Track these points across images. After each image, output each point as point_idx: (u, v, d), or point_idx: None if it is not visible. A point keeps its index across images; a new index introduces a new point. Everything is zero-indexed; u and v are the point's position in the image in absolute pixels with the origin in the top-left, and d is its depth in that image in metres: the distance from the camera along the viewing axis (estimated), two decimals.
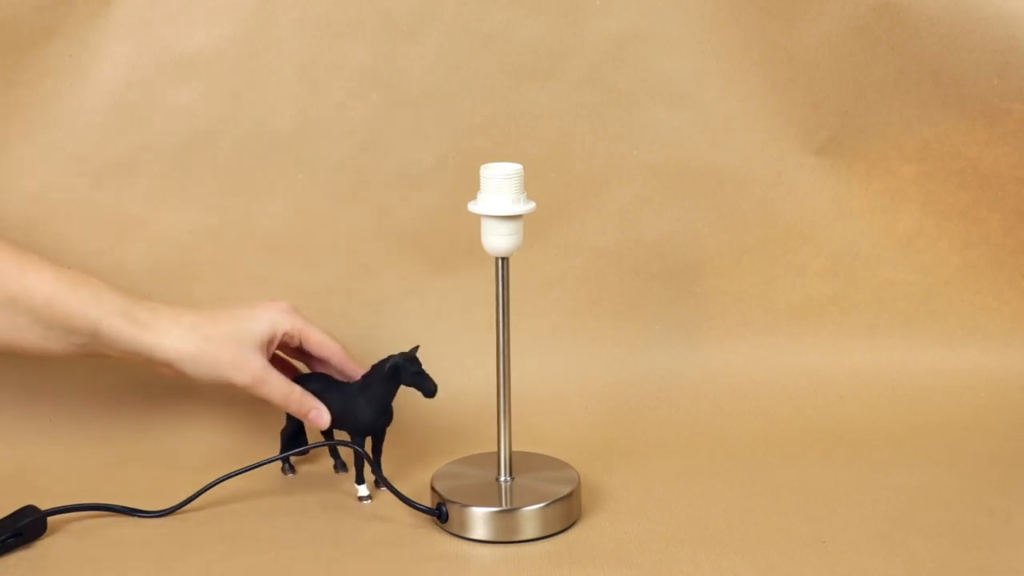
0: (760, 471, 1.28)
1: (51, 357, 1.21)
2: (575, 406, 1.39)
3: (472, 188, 1.15)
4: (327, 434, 1.29)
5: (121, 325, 1.19)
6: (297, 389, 1.22)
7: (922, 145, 1.43)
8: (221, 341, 1.20)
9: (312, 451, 1.30)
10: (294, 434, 1.28)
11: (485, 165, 1.13)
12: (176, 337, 1.20)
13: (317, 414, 1.23)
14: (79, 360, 1.39)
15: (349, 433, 1.23)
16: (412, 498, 1.18)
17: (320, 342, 1.25)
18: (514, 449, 1.19)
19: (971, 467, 1.28)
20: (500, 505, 1.15)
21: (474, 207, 1.14)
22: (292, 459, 1.30)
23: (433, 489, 1.18)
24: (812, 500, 1.21)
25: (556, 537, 1.15)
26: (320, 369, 1.28)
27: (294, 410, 1.22)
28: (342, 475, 1.29)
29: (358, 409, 1.21)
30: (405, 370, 1.19)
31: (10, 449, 1.34)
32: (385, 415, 1.22)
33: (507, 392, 1.17)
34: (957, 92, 1.39)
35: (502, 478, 1.19)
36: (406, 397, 1.21)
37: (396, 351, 1.21)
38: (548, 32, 1.41)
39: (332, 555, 1.12)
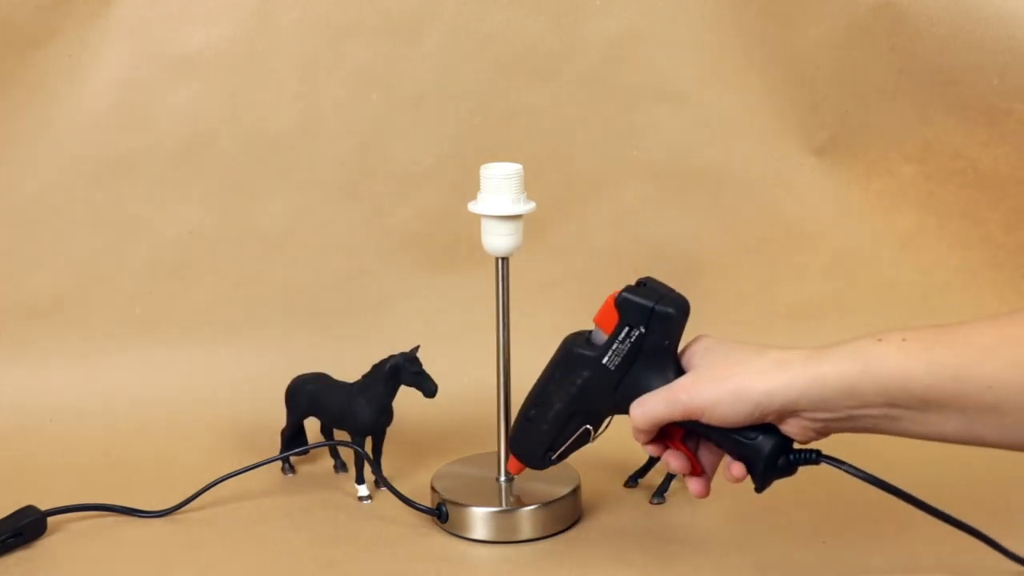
0: None
1: None
2: None
3: (472, 188, 1.15)
4: (327, 434, 1.29)
5: None
6: None
7: (922, 145, 1.42)
8: None
9: (312, 451, 1.29)
10: (294, 434, 1.28)
11: (485, 165, 1.13)
12: None
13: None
14: (77, 360, 1.40)
15: (349, 433, 1.23)
16: (412, 498, 1.18)
17: None
18: None
19: (971, 467, 1.28)
20: (500, 505, 1.15)
21: (474, 207, 1.14)
22: (292, 459, 1.30)
23: (433, 489, 1.18)
24: (813, 500, 1.21)
25: (556, 537, 1.15)
26: None
27: None
28: (342, 475, 1.29)
29: (358, 409, 1.21)
30: (405, 370, 1.19)
31: (10, 449, 1.34)
32: (385, 415, 1.22)
33: (507, 392, 1.17)
34: (957, 92, 1.38)
35: (502, 478, 1.19)
36: (406, 397, 1.21)
37: (396, 351, 1.21)
38: (548, 32, 1.42)
39: (332, 555, 1.12)
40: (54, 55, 1.38)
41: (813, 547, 1.12)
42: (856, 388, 0.92)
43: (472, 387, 1.33)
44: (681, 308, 1.04)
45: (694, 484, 1.04)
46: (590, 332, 1.05)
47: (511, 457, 1.11)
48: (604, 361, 1.03)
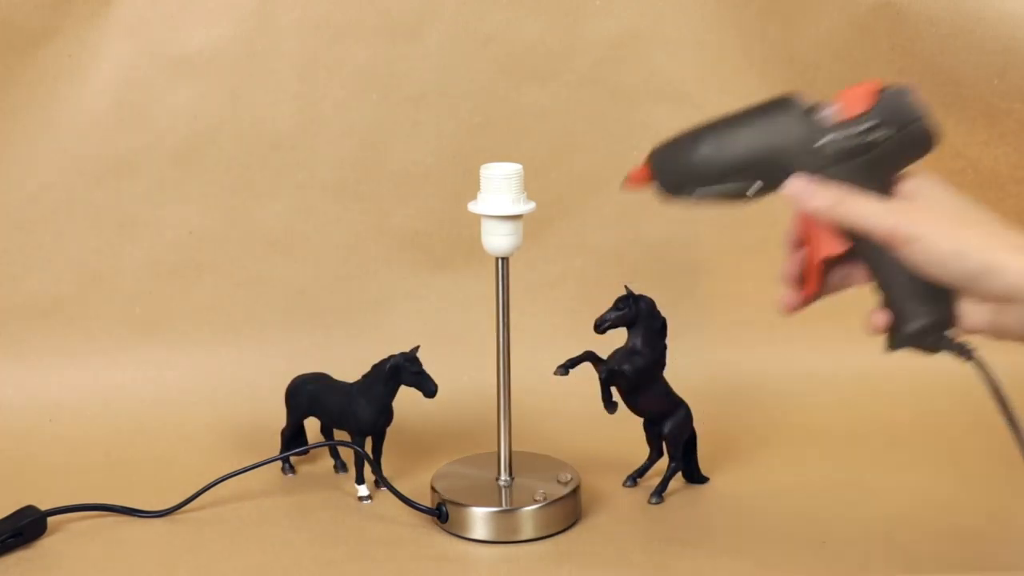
0: (760, 471, 1.28)
1: None
2: (575, 406, 1.39)
3: (472, 188, 1.15)
4: (327, 434, 1.29)
5: None
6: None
7: None
8: None
9: (312, 451, 1.29)
10: (294, 434, 1.28)
11: (485, 165, 1.13)
12: None
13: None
14: (77, 360, 1.40)
15: (349, 433, 1.23)
16: (412, 498, 1.18)
17: None
18: (514, 449, 1.19)
19: (971, 467, 1.28)
20: (500, 505, 1.15)
21: (474, 207, 1.14)
22: (292, 459, 1.30)
23: (433, 489, 1.18)
24: (812, 500, 1.21)
25: (556, 537, 1.15)
26: None
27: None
28: (342, 475, 1.29)
29: (358, 409, 1.21)
30: (405, 370, 1.19)
31: (10, 449, 1.34)
32: (385, 415, 1.22)
33: (507, 392, 1.17)
34: (957, 92, 1.38)
35: (502, 478, 1.19)
36: (406, 397, 1.21)
37: (396, 351, 1.21)
38: (548, 32, 1.42)
39: (332, 555, 1.12)
40: (54, 55, 1.38)
41: (813, 546, 1.12)
42: None
43: (472, 387, 1.33)
44: (934, 139, 0.92)
45: (791, 296, 0.94)
46: (818, 103, 0.91)
47: (642, 168, 0.95)
48: (818, 144, 0.90)
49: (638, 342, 1.19)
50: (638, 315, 1.19)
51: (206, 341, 1.44)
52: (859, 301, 1.48)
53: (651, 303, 1.20)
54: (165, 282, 1.44)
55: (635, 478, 1.25)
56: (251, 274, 1.45)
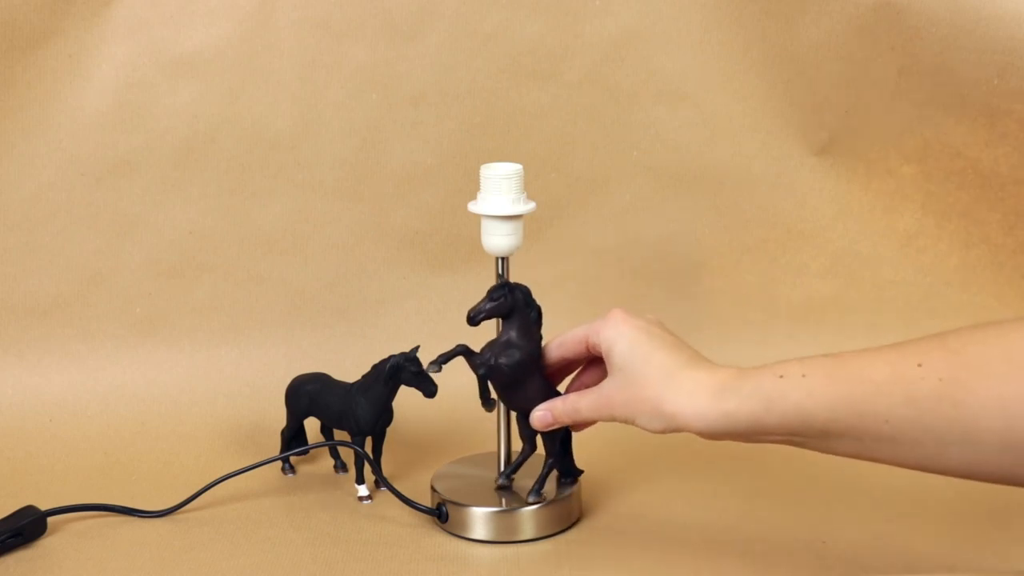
0: (760, 471, 1.28)
1: None
2: None
3: (472, 188, 1.15)
4: (327, 434, 1.29)
5: None
6: None
7: (922, 145, 1.42)
8: None
9: (312, 451, 1.30)
10: (294, 434, 1.28)
11: (485, 165, 1.13)
12: None
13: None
14: (77, 360, 1.40)
15: (349, 433, 1.23)
16: (412, 498, 1.18)
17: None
18: (514, 449, 1.19)
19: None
20: (500, 505, 1.15)
21: (474, 207, 1.14)
22: (292, 459, 1.30)
23: (433, 489, 1.18)
24: (812, 500, 1.21)
25: (556, 537, 1.15)
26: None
27: None
28: (342, 475, 1.29)
29: (358, 409, 1.21)
30: (405, 370, 1.19)
31: (10, 449, 1.34)
32: (385, 415, 1.22)
33: None
34: (957, 92, 1.38)
35: (502, 479, 1.19)
36: (406, 397, 1.21)
37: (396, 351, 1.21)
38: (548, 32, 1.42)
39: (332, 555, 1.12)
40: (54, 55, 1.38)
41: (814, 547, 1.12)
42: (760, 423, 0.98)
43: (472, 387, 1.33)
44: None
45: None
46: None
47: None
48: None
49: (514, 334, 1.13)
50: (514, 305, 1.13)
51: (206, 341, 1.44)
52: (859, 302, 1.49)
53: (527, 291, 1.14)
54: (165, 282, 1.44)
55: (509, 475, 1.19)
56: (251, 274, 1.45)
